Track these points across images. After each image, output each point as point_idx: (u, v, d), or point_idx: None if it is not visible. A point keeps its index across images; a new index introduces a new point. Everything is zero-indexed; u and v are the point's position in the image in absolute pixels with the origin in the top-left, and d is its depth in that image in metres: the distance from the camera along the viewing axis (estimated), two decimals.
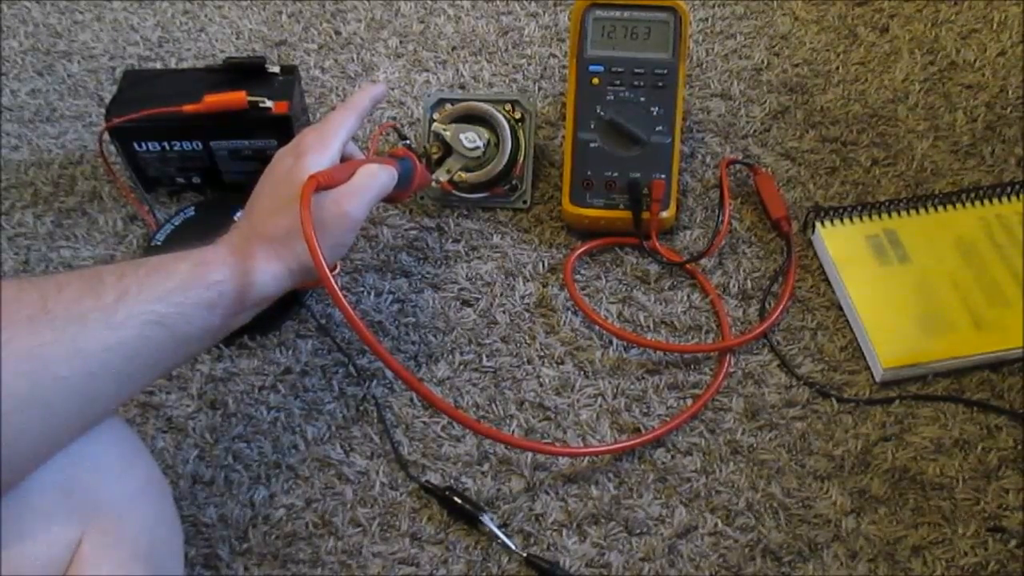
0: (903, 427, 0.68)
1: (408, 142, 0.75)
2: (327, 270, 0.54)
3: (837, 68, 0.90)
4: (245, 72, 0.77)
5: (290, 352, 0.72)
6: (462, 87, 0.90)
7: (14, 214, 0.81)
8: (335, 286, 0.54)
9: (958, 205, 0.78)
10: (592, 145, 0.76)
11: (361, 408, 0.70)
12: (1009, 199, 0.78)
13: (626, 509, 0.64)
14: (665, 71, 0.76)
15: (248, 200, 0.61)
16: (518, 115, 0.79)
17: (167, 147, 0.77)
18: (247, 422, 0.69)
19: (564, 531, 0.64)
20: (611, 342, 0.73)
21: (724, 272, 0.76)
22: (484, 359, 0.72)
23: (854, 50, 0.91)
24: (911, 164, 0.82)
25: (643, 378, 0.71)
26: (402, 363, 0.67)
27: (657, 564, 0.62)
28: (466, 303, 0.75)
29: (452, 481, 0.66)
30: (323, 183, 0.58)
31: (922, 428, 0.67)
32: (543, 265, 0.77)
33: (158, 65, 0.92)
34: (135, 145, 0.77)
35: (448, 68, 0.91)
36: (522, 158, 0.79)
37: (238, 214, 0.62)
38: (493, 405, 0.69)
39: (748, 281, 0.76)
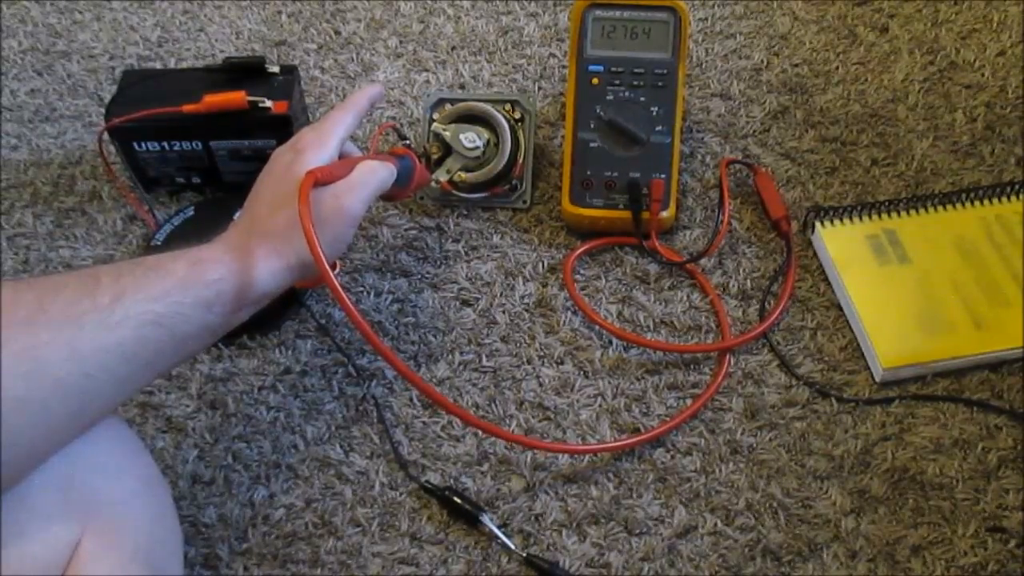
0: (903, 427, 0.67)
1: (408, 142, 0.75)
2: (326, 264, 0.54)
3: (837, 68, 0.90)
4: (245, 72, 0.77)
5: (290, 352, 0.72)
6: (462, 87, 0.90)
7: (13, 214, 0.81)
8: (334, 280, 0.54)
9: (958, 205, 0.77)
10: (592, 145, 0.76)
11: (361, 408, 0.70)
12: (1009, 199, 0.78)
13: (626, 509, 0.64)
14: (665, 71, 0.76)
15: (247, 198, 0.61)
16: (518, 115, 0.79)
17: (167, 147, 0.77)
18: (247, 422, 0.69)
19: (564, 531, 0.64)
20: (611, 342, 0.73)
21: (724, 272, 0.76)
22: (484, 359, 0.72)
23: (854, 50, 0.91)
24: (911, 164, 0.82)
25: (643, 378, 0.71)
26: (401, 362, 0.67)
27: (657, 564, 0.62)
28: (466, 303, 0.75)
29: (452, 481, 0.66)
30: (321, 178, 0.58)
31: (922, 428, 0.67)
32: (543, 265, 0.77)
33: (158, 65, 0.92)
34: (135, 145, 0.77)
35: (448, 68, 0.91)
36: (522, 158, 0.78)
37: (238, 214, 0.62)
38: (493, 405, 0.69)
39: (748, 281, 0.76)
